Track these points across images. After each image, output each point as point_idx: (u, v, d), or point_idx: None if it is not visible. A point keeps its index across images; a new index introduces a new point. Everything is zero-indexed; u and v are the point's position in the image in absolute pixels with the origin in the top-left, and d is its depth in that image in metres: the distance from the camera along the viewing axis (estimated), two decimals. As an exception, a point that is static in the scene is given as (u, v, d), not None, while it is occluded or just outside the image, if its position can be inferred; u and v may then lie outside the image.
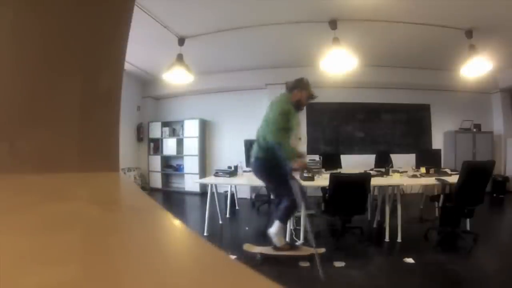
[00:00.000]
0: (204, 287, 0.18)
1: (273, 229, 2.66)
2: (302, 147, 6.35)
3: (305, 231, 2.93)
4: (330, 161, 4.76)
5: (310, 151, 5.99)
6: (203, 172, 6.59)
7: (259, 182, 4.11)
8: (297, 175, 2.85)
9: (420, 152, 4.95)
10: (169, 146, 6.94)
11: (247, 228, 4.04)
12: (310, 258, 2.60)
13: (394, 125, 6.43)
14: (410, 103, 6.39)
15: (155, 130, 7.05)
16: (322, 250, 2.67)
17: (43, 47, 0.55)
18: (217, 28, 4.14)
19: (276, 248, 2.70)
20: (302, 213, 2.86)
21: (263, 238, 3.72)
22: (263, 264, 2.60)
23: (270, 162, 2.56)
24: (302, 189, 2.72)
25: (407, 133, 6.44)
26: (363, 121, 6.41)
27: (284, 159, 2.46)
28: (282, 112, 2.51)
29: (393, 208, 3.36)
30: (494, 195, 5.70)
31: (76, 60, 0.59)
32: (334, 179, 2.90)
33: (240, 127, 6.41)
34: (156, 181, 7.00)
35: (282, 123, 2.48)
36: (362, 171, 3.24)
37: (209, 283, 0.18)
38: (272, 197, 2.97)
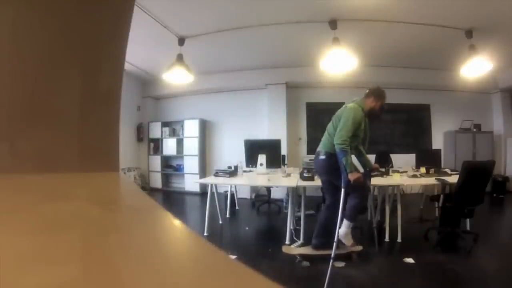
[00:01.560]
0: (204, 287, 0.18)
1: (343, 229, 2.56)
2: (302, 147, 6.37)
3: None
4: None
5: (310, 151, 5.99)
6: (203, 172, 6.60)
7: (260, 182, 4.16)
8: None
9: (420, 152, 4.94)
10: (169, 146, 6.94)
11: (247, 228, 4.04)
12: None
13: (394, 125, 6.43)
14: (410, 103, 6.40)
15: (155, 130, 7.06)
16: (360, 248, 2.71)
17: (43, 46, 0.55)
18: (217, 28, 4.14)
19: (315, 247, 2.67)
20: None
21: (263, 238, 3.73)
22: (262, 263, 2.60)
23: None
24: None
25: (407, 133, 6.45)
26: (363, 121, 6.41)
27: (344, 167, 2.40)
28: (354, 118, 2.49)
29: (393, 208, 3.36)
30: (494, 195, 5.70)
31: (76, 59, 0.59)
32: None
33: (240, 127, 6.42)
34: (156, 181, 7.01)
35: (351, 130, 2.46)
36: (362, 171, 3.23)
37: (209, 283, 0.18)
38: (329, 197, 2.76)
